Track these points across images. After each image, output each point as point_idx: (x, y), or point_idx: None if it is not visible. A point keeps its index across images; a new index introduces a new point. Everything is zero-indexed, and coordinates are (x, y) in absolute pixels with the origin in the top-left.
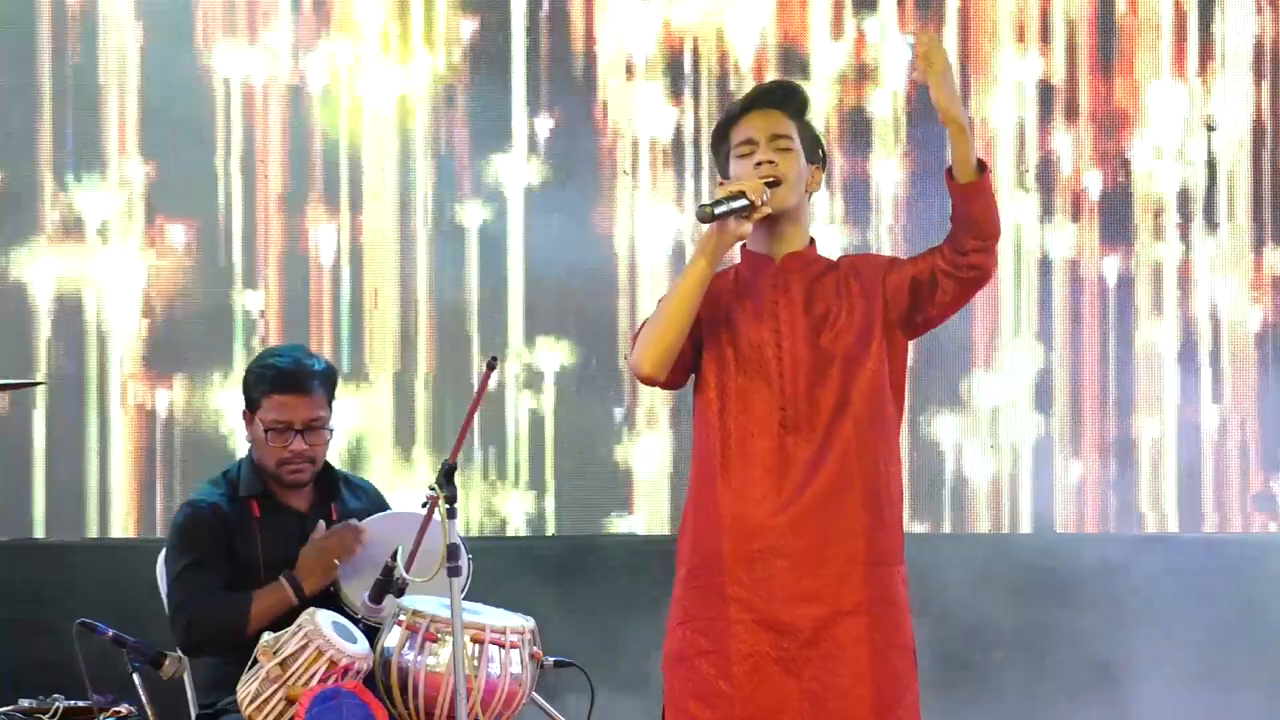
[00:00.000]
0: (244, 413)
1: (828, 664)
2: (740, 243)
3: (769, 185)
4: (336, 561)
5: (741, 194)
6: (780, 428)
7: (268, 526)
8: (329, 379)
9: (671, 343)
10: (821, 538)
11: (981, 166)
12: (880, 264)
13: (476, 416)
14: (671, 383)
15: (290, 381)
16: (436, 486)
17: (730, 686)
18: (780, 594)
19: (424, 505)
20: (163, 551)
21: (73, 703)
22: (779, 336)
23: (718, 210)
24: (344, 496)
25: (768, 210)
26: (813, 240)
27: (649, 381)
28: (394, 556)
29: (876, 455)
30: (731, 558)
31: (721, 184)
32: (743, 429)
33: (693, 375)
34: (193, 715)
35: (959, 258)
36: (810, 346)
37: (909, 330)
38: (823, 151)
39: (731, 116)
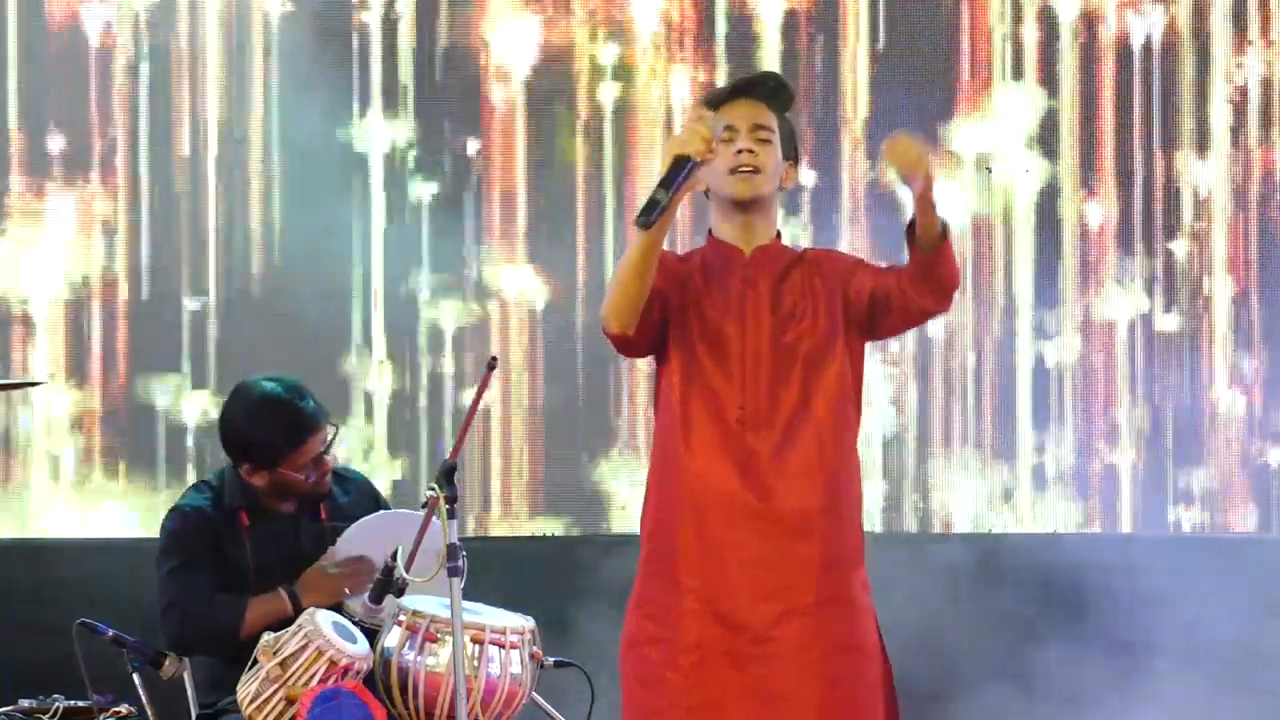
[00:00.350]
0: (246, 468)
1: (776, 663)
2: (709, 231)
3: (746, 172)
4: (347, 591)
5: (684, 160)
6: (739, 424)
7: (257, 534)
8: (317, 400)
9: (635, 295)
10: (779, 537)
11: (944, 231)
12: (845, 264)
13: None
14: (640, 333)
15: (313, 426)
16: (436, 486)
17: (676, 675)
18: (736, 589)
19: (424, 505)
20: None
21: (73, 703)
22: (744, 332)
23: (652, 218)
24: (333, 493)
25: (714, 158)
26: (779, 233)
27: (619, 339)
28: (394, 556)
29: (838, 457)
30: (689, 548)
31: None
32: (701, 418)
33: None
34: (193, 715)
35: (915, 299)
36: (773, 345)
37: (865, 336)
38: (797, 152)
39: (717, 101)
